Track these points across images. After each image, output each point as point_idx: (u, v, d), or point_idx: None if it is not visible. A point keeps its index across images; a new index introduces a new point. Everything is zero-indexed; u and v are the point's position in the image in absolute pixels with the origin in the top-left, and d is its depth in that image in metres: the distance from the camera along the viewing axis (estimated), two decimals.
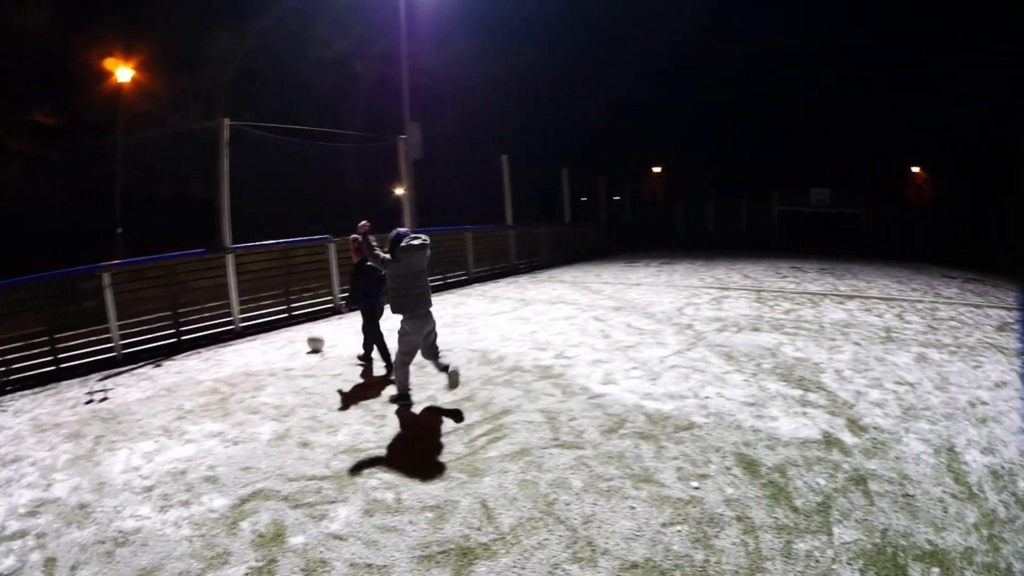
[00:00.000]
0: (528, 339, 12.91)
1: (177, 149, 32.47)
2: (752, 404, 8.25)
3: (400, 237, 8.60)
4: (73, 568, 5.46)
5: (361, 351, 11.62)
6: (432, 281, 18.91)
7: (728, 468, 6.50)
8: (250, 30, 36.00)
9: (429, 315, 8.84)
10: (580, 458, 6.92)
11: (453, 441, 7.61)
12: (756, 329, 12.87)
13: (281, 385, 10.57)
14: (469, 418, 8.38)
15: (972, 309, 15.26)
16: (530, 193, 29.85)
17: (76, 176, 32.24)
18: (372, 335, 11.13)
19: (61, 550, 5.75)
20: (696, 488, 6.12)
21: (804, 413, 7.87)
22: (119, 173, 31.06)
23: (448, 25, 38.78)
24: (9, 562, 5.67)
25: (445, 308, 17.39)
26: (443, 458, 7.15)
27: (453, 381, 8.86)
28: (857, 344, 11.33)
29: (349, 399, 9.60)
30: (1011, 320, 13.98)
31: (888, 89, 52.58)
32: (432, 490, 6.39)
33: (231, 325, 15.20)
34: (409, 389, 9.28)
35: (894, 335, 12.10)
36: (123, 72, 31.74)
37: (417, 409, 8.89)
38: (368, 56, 40.19)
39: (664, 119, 61.13)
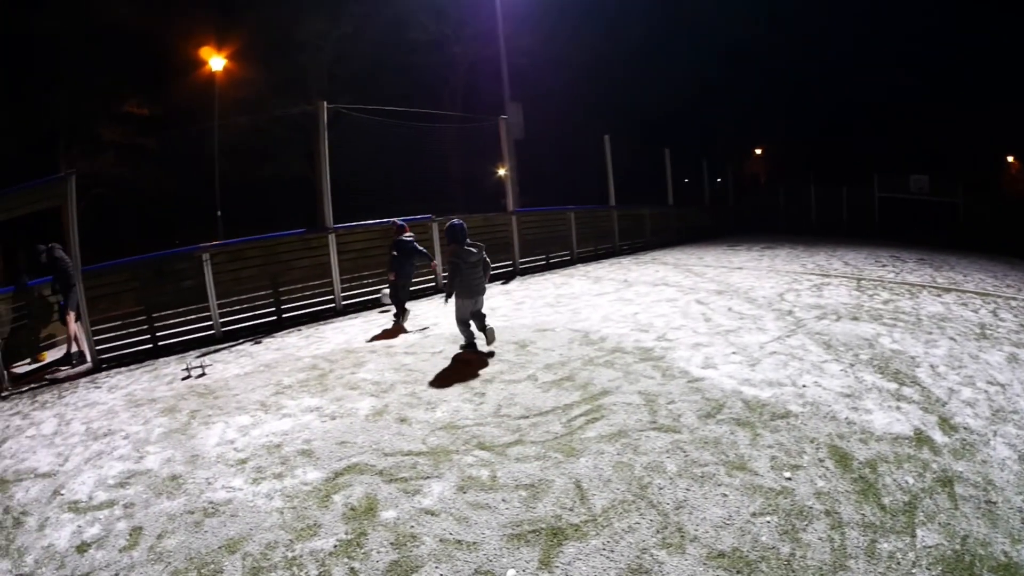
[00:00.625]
0: (630, 320, 12.62)
1: (275, 133, 33.06)
2: (848, 395, 7.94)
3: (454, 229, 10.76)
4: (159, 537, 5.55)
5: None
6: (535, 261, 20.43)
7: (821, 460, 6.30)
8: (344, 15, 35.72)
9: (482, 296, 10.98)
10: (676, 442, 6.76)
11: (551, 420, 7.49)
12: (855, 318, 12.34)
13: (381, 362, 10.61)
14: (568, 398, 8.20)
15: None
16: (632, 174, 29.17)
17: (174, 163, 32.82)
18: (399, 294, 13.68)
19: (148, 519, 5.90)
20: (788, 479, 5.95)
21: (898, 408, 7.55)
22: (216, 158, 31.38)
23: (544, 5, 38.19)
24: (93, 531, 5.80)
25: (548, 288, 17.56)
26: (540, 437, 7.04)
27: (490, 337, 10.86)
28: (952, 339, 10.76)
29: (449, 376, 9.54)
30: None
31: (989, 74, 50.84)
32: (527, 469, 6.31)
33: (332, 303, 15.40)
34: (474, 339, 11.07)
35: (988, 332, 11.43)
36: (216, 61, 32.12)
37: (516, 388, 8.73)
38: (465, 38, 39.90)
39: (766, 100, 60.69)
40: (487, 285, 11.15)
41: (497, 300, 15.77)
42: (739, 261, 22.58)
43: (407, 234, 13.74)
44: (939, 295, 15.17)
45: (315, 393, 9.16)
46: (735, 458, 6.36)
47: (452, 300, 10.74)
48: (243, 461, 6.98)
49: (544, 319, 12.93)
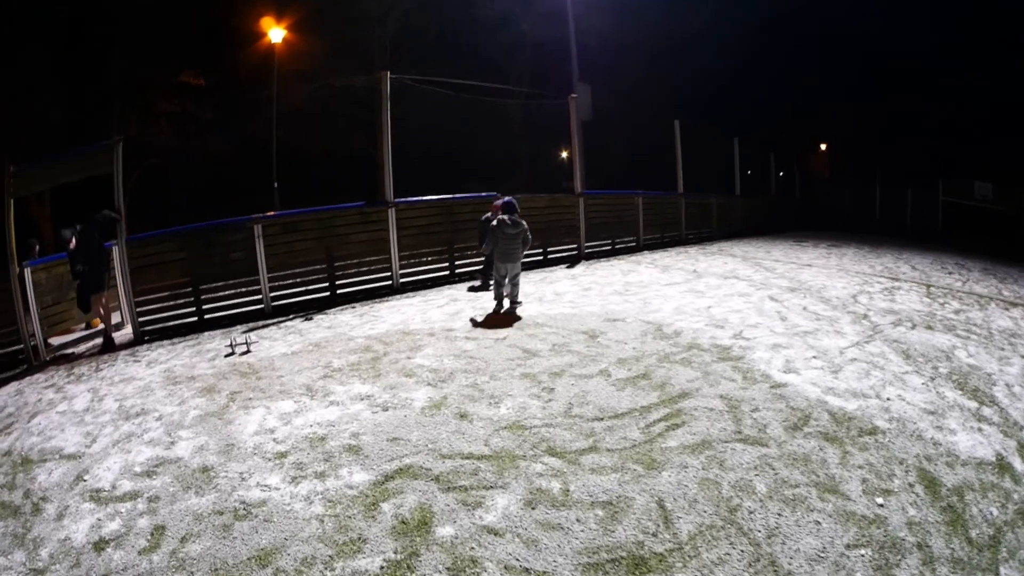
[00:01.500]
0: (704, 315, 11.90)
1: (335, 106, 32.95)
2: (932, 412, 7.43)
3: (505, 203, 12.54)
4: (183, 540, 5.10)
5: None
6: (600, 245, 21.66)
7: (911, 485, 5.84)
8: None
9: (516, 264, 12.25)
10: (764, 457, 6.19)
11: (628, 424, 6.82)
12: (929, 327, 11.68)
13: (440, 347, 10.00)
14: (645, 399, 7.53)
15: None
16: (700, 162, 28.57)
17: (231, 134, 32.97)
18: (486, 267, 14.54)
19: (173, 518, 5.53)
20: (880, 505, 5.48)
21: (979, 429, 7.09)
22: (275, 129, 31.29)
23: None
24: (113, 526, 5.42)
25: (615, 275, 16.83)
26: (617, 444, 6.36)
27: (513, 297, 12.35)
28: (1023, 357, 10.21)
29: (515, 366, 8.87)
30: None
31: None
32: (604, 482, 5.65)
33: (389, 281, 14.96)
34: (502, 298, 12.36)
35: None
36: (276, 33, 31.83)
37: (588, 385, 8.03)
38: (532, 15, 39.32)
39: (833, 96, 60.59)
40: (522, 259, 12.49)
41: (563, 284, 15.26)
42: (807, 258, 21.94)
43: (500, 214, 12.96)
44: (1007, 308, 14.57)
45: (366, 379, 8.55)
46: (826, 479, 5.86)
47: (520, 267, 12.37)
48: (282, 455, 6.47)
49: (614, 308, 12.25)
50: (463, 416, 7.15)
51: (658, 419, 6.94)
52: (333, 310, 13.44)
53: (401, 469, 5.94)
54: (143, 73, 30.46)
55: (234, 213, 13.56)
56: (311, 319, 12.61)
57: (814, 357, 9.27)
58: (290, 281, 13.95)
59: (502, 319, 11.67)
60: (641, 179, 26.97)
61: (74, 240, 12.56)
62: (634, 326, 10.94)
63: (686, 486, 5.57)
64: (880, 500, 5.54)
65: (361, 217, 14.99)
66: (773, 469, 5.96)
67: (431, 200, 16.24)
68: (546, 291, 14.58)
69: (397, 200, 15.16)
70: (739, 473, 5.84)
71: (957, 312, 13.37)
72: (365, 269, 15.02)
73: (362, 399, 7.79)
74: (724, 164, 30.87)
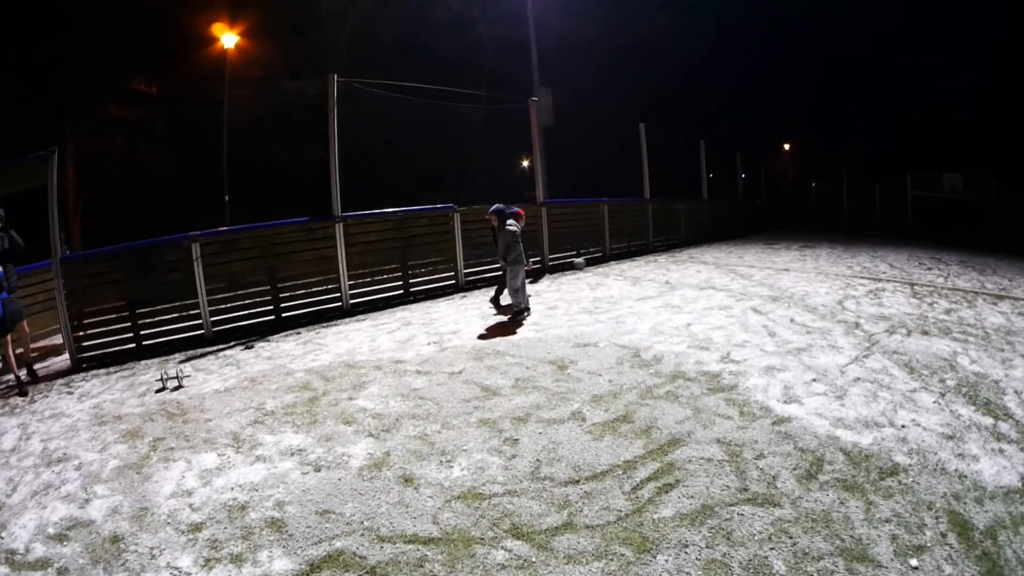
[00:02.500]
0: (684, 334, 11.00)
1: (291, 115, 31.93)
2: (950, 437, 6.75)
3: (505, 210, 12.76)
4: None
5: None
6: (565, 256, 20.33)
7: (943, 535, 5.12)
8: None
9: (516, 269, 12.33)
10: (778, 522, 5.19)
11: (611, 487, 5.69)
12: (925, 332, 11.22)
13: (387, 383, 8.82)
14: (630, 450, 6.39)
15: None
16: (665, 166, 27.57)
17: (182, 144, 31.77)
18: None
19: None
20: (915, 568, 4.73)
21: (1000, 451, 6.52)
22: (225, 140, 30.31)
23: None
24: None
25: (582, 290, 15.85)
26: (599, 517, 5.24)
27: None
28: None
29: (471, 409, 7.70)
30: None
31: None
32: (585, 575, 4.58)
33: (339, 302, 13.81)
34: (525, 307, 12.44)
35: None
36: (229, 38, 31.13)
37: (559, 433, 6.87)
38: (491, 20, 38.85)
39: (798, 94, 61.01)
40: None
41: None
42: (782, 261, 21.55)
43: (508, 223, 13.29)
44: (994, 303, 14.51)
45: (300, 426, 7.45)
46: (852, 543, 4.95)
47: (517, 270, 12.29)
48: (197, 527, 5.47)
49: (583, 330, 11.27)
50: (408, 480, 5.99)
51: (646, 478, 5.87)
52: (277, 336, 12.38)
53: (330, 555, 4.88)
54: (96, 80, 29.64)
55: (184, 228, 12.53)
56: (252, 347, 11.57)
57: (814, 380, 8.50)
58: (232, 304, 12.81)
59: (456, 352, 10.33)
60: (606, 186, 26.05)
61: None
62: (608, 352, 9.92)
63: (687, 574, 4.57)
64: (914, 562, 4.81)
65: (306, 233, 13.79)
66: (790, 537, 5.01)
67: (382, 214, 15.21)
68: (507, 312, 13.38)
69: (345, 214, 14.01)
70: (751, 548, 4.87)
71: (948, 312, 13.18)
72: (312, 291, 13.82)
73: (292, 454, 6.74)
74: (690, 167, 30.36)
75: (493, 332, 11.49)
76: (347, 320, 13.27)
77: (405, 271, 15.16)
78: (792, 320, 12.00)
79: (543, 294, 15.36)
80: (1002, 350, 10.15)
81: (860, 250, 25.72)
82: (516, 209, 13.14)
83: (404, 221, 14.92)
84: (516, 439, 6.69)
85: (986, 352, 10.00)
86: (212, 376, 9.79)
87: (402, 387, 8.56)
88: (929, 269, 20.35)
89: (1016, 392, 8.13)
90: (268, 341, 11.88)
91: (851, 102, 59.00)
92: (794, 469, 6.00)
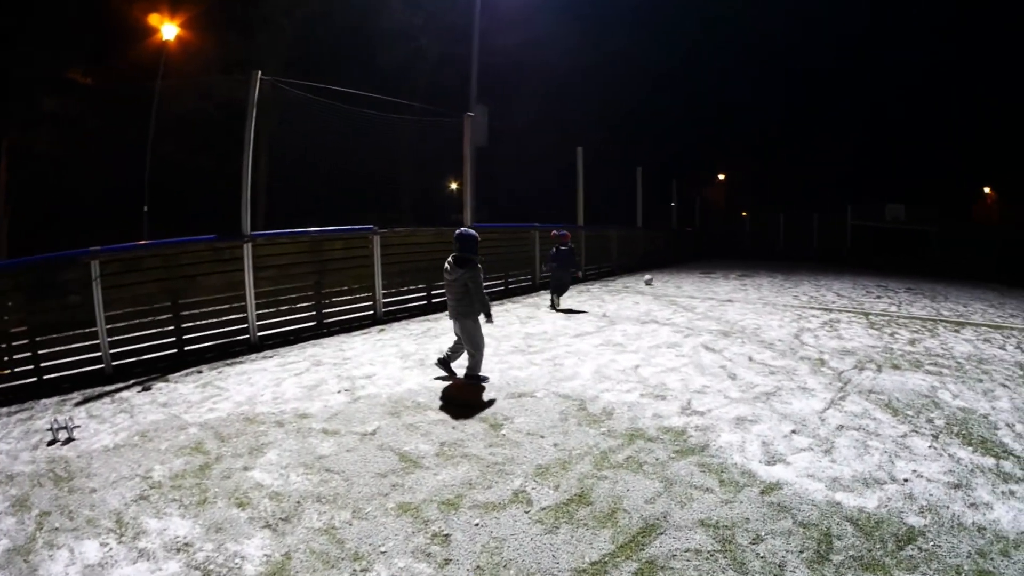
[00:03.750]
0: (634, 378, 9.71)
1: (219, 118, 29.92)
2: (957, 486, 6.11)
3: (458, 239, 9.45)
4: None
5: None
6: (494, 286, 18.96)
7: None
8: None
9: (458, 322, 9.41)
10: None
11: None
12: (896, 367, 10.71)
13: (288, 447, 7.11)
14: (595, 545, 4.93)
15: None
16: (601, 192, 27.33)
17: (114, 143, 29.40)
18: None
19: None
20: None
21: (1011, 492, 5.98)
22: (150, 143, 28.87)
23: (527, 4, 35.96)
24: None
25: (512, 324, 14.39)
26: None
27: (468, 376, 9.40)
28: (1005, 386, 9.67)
29: (388, 488, 6.03)
30: None
31: (966, 106, 53.97)
32: None
33: (245, 334, 12.07)
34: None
35: None
36: (168, 29, 29.52)
37: (500, 524, 5.26)
38: (435, 29, 37.59)
39: (739, 124, 62.28)
40: (472, 316, 9.45)
41: (449, 340, 11.57)
42: (724, 292, 21.35)
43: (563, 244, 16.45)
44: (956, 331, 14.63)
45: (188, 507, 5.79)
46: None
47: (474, 324, 9.35)
48: None
49: (517, 375, 9.82)
50: None
51: None
52: (177, 375, 10.38)
53: None
54: (28, 69, 27.73)
55: (107, 240, 10.86)
56: (149, 389, 9.82)
57: (794, 432, 7.55)
58: (133, 335, 11.04)
59: (370, 404, 8.52)
60: (542, 211, 26.07)
61: None
62: (548, 404, 8.48)
63: None
64: None
65: (213, 253, 11.83)
66: None
67: (295, 234, 13.32)
68: (430, 350, 11.68)
69: (255, 233, 12.11)
70: None
71: (912, 343, 13.00)
72: (217, 320, 11.94)
73: (179, 550, 5.07)
74: (626, 194, 29.92)
75: (412, 377, 9.90)
76: (253, 357, 11.56)
77: (319, 300, 13.56)
78: (751, 359, 11.19)
79: None
80: (980, 380, 9.91)
81: (801, 279, 26.33)
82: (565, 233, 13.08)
83: (318, 243, 13.42)
84: (447, 534, 5.18)
85: (965, 384, 9.70)
86: (104, 427, 8.21)
87: (305, 453, 6.96)
88: (878, 297, 20.65)
89: (1008, 425, 7.79)
90: (167, 381, 10.21)
91: (792, 135, 61.06)
92: (801, 552, 4.94)
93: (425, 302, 16.08)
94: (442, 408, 8.28)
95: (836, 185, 52.50)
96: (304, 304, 13.23)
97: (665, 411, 8.15)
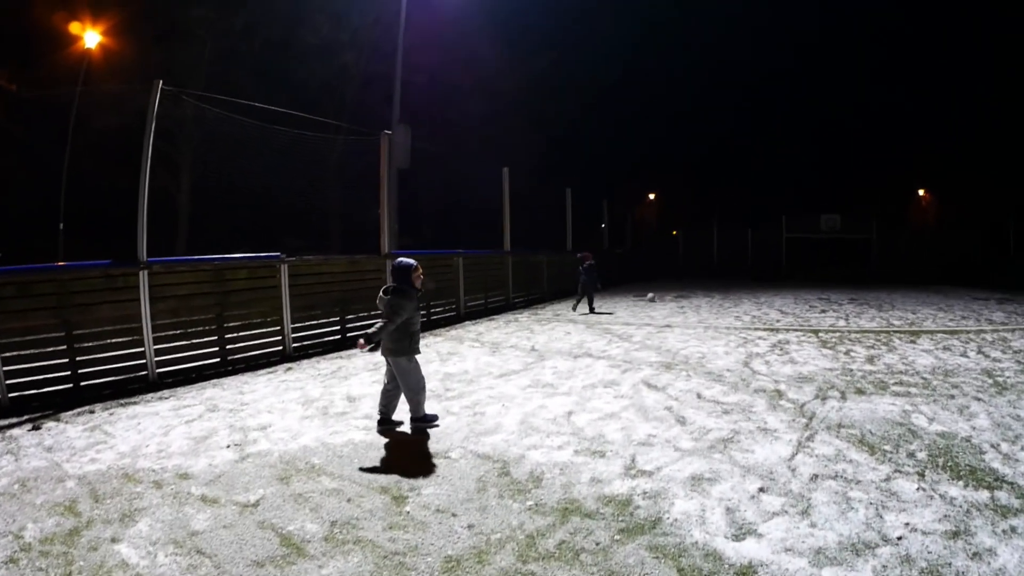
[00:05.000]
0: (567, 429, 8.14)
1: (136, 134, 28.72)
2: (955, 533, 5.30)
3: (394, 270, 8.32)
4: None
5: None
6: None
7: None
8: (236, 2, 31.46)
9: (393, 360, 8.24)
10: None
11: None
12: (860, 391, 9.89)
13: (163, 516, 5.77)
14: None
15: None
16: (530, 214, 26.55)
17: (35, 158, 28.57)
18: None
19: None
20: None
21: (1012, 530, 5.30)
22: (67, 157, 27.35)
23: (460, 22, 35.77)
24: None
25: (431, 361, 12.54)
26: None
27: (413, 420, 8.30)
28: (979, 399, 9.30)
29: None
30: None
31: (897, 110, 54.79)
32: None
33: (143, 371, 10.72)
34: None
35: (999, 380, 10.53)
36: (91, 36, 28.34)
37: None
38: (361, 46, 36.22)
39: (670, 142, 62.30)
40: (403, 352, 8.17)
41: (361, 380, 11.13)
42: (661, 316, 20.21)
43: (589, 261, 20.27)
44: (912, 341, 14.51)
45: None
46: None
47: (408, 362, 8.07)
48: None
49: (430, 428, 8.23)
50: None
51: None
52: (70, 414, 9.15)
53: None
54: None
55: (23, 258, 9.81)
56: (39, 428, 8.64)
57: (762, 490, 6.24)
58: (29, 366, 9.78)
59: (258, 463, 7.07)
60: (464, 235, 25.34)
61: None
62: (464, 468, 6.92)
63: None
64: None
65: (106, 281, 10.63)
66: None
67: (196, 261, 12.25)
68: (336, 395, 10.19)
69: (152, 260, 10.91)
70: None
71: (871, 360, 12.43)
72: (116, 353, 10.57)
73: None
74: (556, 216, 29.23)
75: (311, 430, 8.31)
76: (149, 397, 10.16)
77: (222, 335, 12.17)
78: (699, 396, 9.81)
79: (383, 367, 10.40)
80: (952, 397, 9.45)
81: (740, 297, 25.84)
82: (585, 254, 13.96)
83: (221, 272, 12.10)
84: None
85: (937, 404, 9.12)
86: None
87: (179, 526, 5.61)
88: (824, 312, 20.54)
89: (993, 447, 7.23)
90: (58, 420, 8.97)
91: (723, 151, 61.97)
92: None
93: (338, 336, 14.73)
94: (339, 473, 6.75)
95: (770, 199, 52.82)
96: (206, 339, 11.89)
97: (605, 473, 6.68)
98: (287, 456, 7.18)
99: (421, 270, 8.11)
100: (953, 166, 50.19)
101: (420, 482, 6.47)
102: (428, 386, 8.66)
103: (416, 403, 8.11)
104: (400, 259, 8.15)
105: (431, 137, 33.07)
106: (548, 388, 10.43)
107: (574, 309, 21.17)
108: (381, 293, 7.96)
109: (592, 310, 20.72)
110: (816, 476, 6.47)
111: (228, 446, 7.65)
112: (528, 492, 6.17)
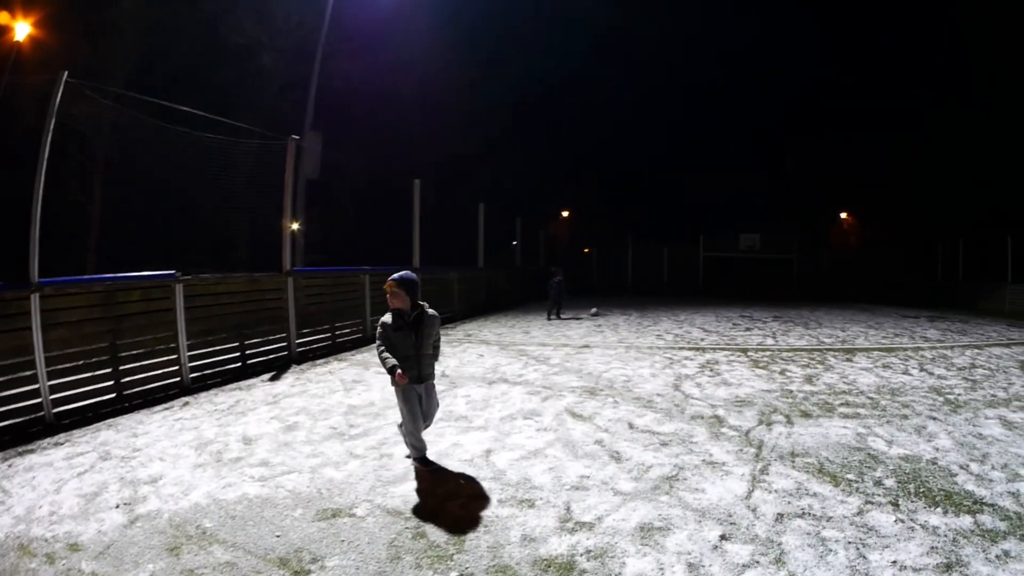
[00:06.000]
0: (486, 473, 6.92)
1: (59, 136, 27.32)
2: (948, 566, 4.89)
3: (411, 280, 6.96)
4: None
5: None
6: (319, 340, 15.83)
7: None
8: None
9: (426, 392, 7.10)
10: None
11: None
12: (806, 414, 9.30)
13: None
14: None
15: (977, 351, 15.56)
16: (442, 230, 26.04)
17: None
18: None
19: None
20: None
21: (1005, 554, 4.99)
22: None
23: (386, 30, 35.49)
24: None
25: (335, 392, 11.07)
26: None
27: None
28: (934, 418, 9.03)
29: None
30: None
31: (817, 134, 55.81)
32: None
33: (39, 411, 9.21)
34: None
35: (949, 397, 10.39)
36: (22, 27, 25.77)
37: None
38: (282, 48, 34.53)
39: (586, 160, 62.71)
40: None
41: (259, 417, 9.46)
42: (578, 336, 18.94)
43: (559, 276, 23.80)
44: (848, 359, 14.25)
45: None
46: None
47: (397, 391, 6.78)
48: None
49: (332, 476, 6.80)
50: None
51: None
52: None
53: None
54: None
55: None
56: None
57: (724, 538, 5.37)
58: None
59: (147, 528, 5.80)
60: (375, 252, 23.81)
61: None
62: (373, 528, 5.66)
63: None
64: None
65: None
66: None
67: (87, 282, 10.59)
68: (231, 435, 8.53)
69: (44, 280, 9.36)
70: None
71: (810, 380, 11.93)
72: (8, 393, 8.95)
73: None
74: (467, 232, 28.42)
75: (203, 481, 6.88)
76: (46, 443, 8.58)
77: (116, 365, 10.50)
78: (631, 426, 8.74)
79: (283, 401, 10.49)
80: (905, 417, 9.07)
81: (659, 315, 25.35)
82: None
83: (112, 294, 10.53)
84: None
85: (892, 425, 8.68)
86: None
87: None
88: (748, 330, 20.12)
89: (962, 468, 6.91)
90: None
91: (643, 168, 62.41)
92: None
93: (239, 364, 13.05)
94: (232, 540, 5.54)
95: (688, 218, 53.27)
96: (100, 372, 10.28)
97: (538, 528, 5.56)
98: (177, 518, 5.96)
99: (389, 287, 7.04)
100: (878, 189, 51.40)
101: (323, 549, 5.32)
102: (329, 423, 8.02)
103: (406, 440, 7.05)
104: (402, 274, 6.90)
105: (344, 145, 32.72)
106: (462, 422, 9.12)
107: (548, 318, 23.78)
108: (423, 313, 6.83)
109: (559, 316, 23.89)
110: (781, 516, 5.72)
111: (118, 505, 6.37)
112: (450, 558, 5.11)
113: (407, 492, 6.33)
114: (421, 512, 5.86)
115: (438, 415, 7.33)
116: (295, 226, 19.60)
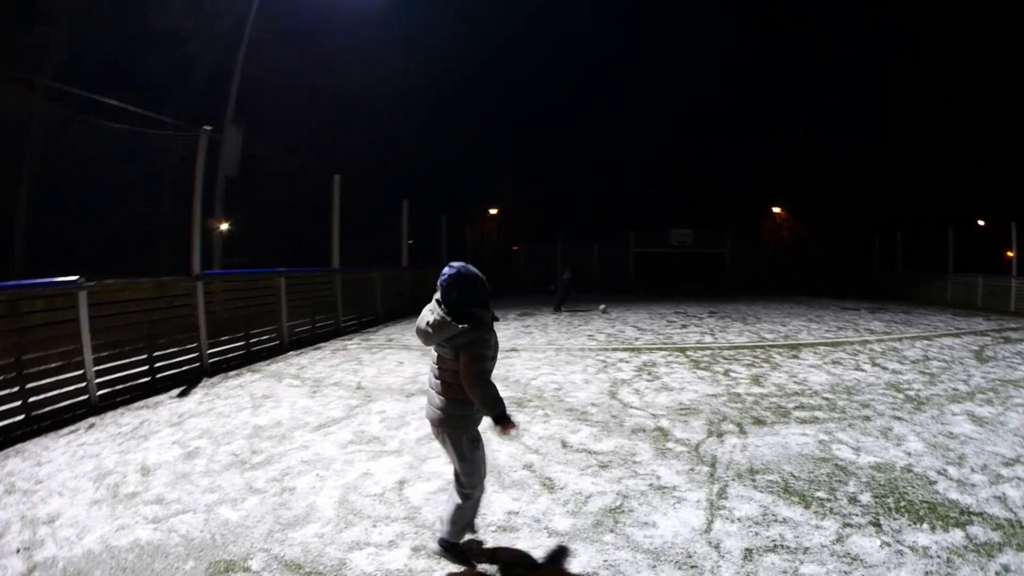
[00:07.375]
0: (400, 510, 5.71)
1: None
2: None
3: (472, 281, 4.81)
4: None
5: None
6: (232, 349, 14.11)
7: None
8: None
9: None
10: None
11: None
12: (759, 421, 8.40)
13: None
14: None
15: (927, 342, 15.60)
16: (364, 228, 24.29)
17: None
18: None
19: None
20: None
21: (1005, 569, 4.51)
22: None
23: (315, 21, 34.60)
24: None
25: (243, 410, 9.54)
26: None
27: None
28: (899, 419, 8.45)
29: None
30: (978, 346, 14.81)
31: (751, 128, 56.01)
32: None
33: None
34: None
35: (910, 394, 9.97)
36: None
37: None
38: (210, 37, 32.43)
39: (514, 157, 61.43)
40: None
41: (161, 441, 7.98)
42: (504, 338, 17.02)
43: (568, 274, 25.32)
44: (794, 356, 13.68)
45: None
46: None
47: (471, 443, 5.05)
48: None
49: (228, 517, 5.59)
50: None
51: None
52: None
53: None
54: None
55: None
56: None
57: None
58: None
59: None
60: (294, 252, 22.97)
61: None
62: None
63: None
64: None
65: None
66: None
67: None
68: (130, 464, 7.15)
69: None
70: None
71: (758, 381, 11.11)
72: None
73: None
74: (391, 230, 27.27)
75: (98, 523, 5.76)
76: None
77: (23, 383, 9.17)
78: (564, 444, 7.55)
79: (187, 421, 9.09)
80: (868, 419, 8.43)
81: (589, 314, 24.18)
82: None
83: (15, 304, 9.18)
84: None
85: (855, 429, 8.00)
86: None
87: None
88: (684, 327, 19.20)
89: (941, 473, 6.40)
90: None
91: (571, 164, 61.94)
92: None
93: (148, 379, 11.59)
94: None
95: (619, 214, 52.54)
96: (7, 391, 8.99)
97: None
98: (71, 568, 4.98)
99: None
100: (812, 184, 51.71)
101: None
102: (231, 448, 6.98)
103: (461, 514, 4.86)
104: (461, 268, 4.84)
105: (275, 141, 31.93)
106: (375, 444, 7.77)
107: (556, 311, 24.78)
108: (440, 317, 4.59)
109: (559, 311, 24.70)
110: (750, 552, 4.85)
111: (18, 550, 5.41)
112: None
113: (308, 538, 5.27)
114: (322, 566, 4.84)
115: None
116: (224, 226, 18.46)
